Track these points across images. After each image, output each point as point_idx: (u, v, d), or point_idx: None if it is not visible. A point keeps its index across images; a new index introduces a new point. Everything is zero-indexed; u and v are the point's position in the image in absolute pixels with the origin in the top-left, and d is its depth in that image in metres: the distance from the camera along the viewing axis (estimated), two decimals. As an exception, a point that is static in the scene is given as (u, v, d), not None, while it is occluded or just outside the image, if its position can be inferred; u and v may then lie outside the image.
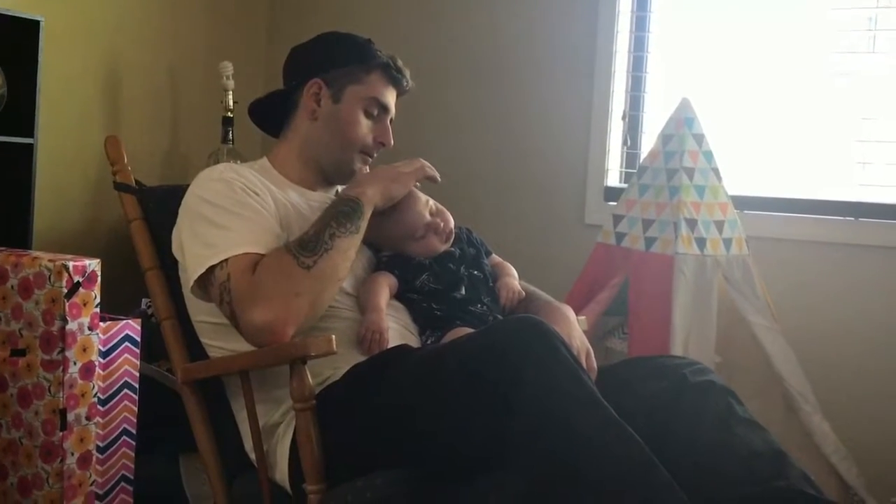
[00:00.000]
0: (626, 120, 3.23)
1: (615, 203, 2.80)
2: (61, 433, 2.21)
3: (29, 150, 2.49)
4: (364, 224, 1.90)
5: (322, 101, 2.06)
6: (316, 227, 1.85)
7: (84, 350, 2.24)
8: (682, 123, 2.66)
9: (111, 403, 2.42)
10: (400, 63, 2.10)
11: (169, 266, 2.01)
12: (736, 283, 2.63)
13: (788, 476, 1.77)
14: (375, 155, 2.12)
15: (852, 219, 2.90)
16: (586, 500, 1.55)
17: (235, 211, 1.87)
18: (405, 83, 2.12)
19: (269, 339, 1.75)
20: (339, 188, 2.14)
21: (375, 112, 2.08)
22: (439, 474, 1.72)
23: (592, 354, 1.97)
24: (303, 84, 2.07)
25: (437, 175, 2.05)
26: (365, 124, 2.07)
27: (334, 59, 2.08)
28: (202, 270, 1.82)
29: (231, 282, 1.78)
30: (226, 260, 1.80)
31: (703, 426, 1.83)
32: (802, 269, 2.89)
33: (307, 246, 1.81)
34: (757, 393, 2.51)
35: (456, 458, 1.70)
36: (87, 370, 2.25)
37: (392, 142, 2.11)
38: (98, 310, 2.27)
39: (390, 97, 2.10)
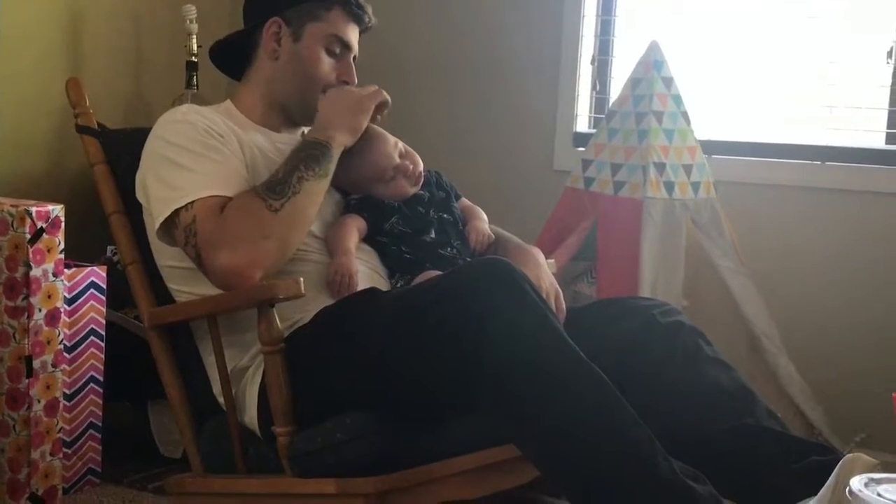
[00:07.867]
0: (595, 64, 3.21)
1: (584, 149, 2.79)
2: (27, 380, 2.19)
3: (-12, 94, 2.45)
4: (332, 167, 1.88)
5: (282, 41, 2.02)
6: (284, 170, 1.83)
7: (49, 297, 2.22)
8: (651, 67, 2.64)
9: (77, 351, 2.40)
10: None
11: (133, 210, 1.98)
12: (703, 227, 2.64)
13: (755, 413, 1.80)
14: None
15: (819, 162, 2.90)
16: (567, 450, 1.57)
17: (200, 152, 1.84)
18: (367, 19, 2.07)
19: (235, 282, 1.74)
20: (305, 129, 2.11)
21: (337, 50, 2.04)
22: (410, 416, 1.73)
23: (562, 296, 1.98)
24: (262, 24, 2.03)
25: (389, 98, 2.00)
26: (327, 62, 2.04)
27: None
28: (168, 213, 1.80)
29: (197, 224, 1.76)
30: (192, 202, 1.78)
31: (672, 365, 1.85)
32: (769, 213, 2.91)
33: (275, 189, 1.79)
34: (723, 335, 2.52)
35: (425, 401, 1.71)
36: (53, 317, 2.23)
37: (356, 80, 2.07)
38: (62, 256, 2.24)
39: (352, 34, 2.06)
